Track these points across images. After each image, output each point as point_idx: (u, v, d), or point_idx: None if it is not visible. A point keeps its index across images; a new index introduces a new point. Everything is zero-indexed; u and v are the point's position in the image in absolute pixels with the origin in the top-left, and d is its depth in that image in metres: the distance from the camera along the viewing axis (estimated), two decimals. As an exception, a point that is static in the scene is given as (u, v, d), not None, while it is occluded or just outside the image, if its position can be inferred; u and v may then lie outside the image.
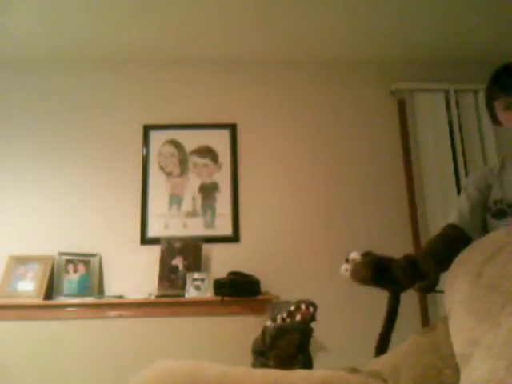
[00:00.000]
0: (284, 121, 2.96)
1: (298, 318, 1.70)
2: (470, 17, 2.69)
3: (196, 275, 2.51)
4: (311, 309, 1.73)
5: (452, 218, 1.42)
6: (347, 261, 1.31)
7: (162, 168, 2.84)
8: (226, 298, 2.42)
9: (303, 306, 1.72)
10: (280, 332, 1.67)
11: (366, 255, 1.28)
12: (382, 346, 1.31)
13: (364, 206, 2.85)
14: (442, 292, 1.11)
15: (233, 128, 2.92)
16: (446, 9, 2.61)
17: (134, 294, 2.50)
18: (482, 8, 2.61)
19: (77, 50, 2.86)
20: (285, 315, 1.72)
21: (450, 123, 2.94)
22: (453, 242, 1.33)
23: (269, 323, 1.74)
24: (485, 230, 1.38)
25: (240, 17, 2.62)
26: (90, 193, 2.77)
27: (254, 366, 1.73)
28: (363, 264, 1.26)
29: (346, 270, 1.29)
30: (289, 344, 1.65)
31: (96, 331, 2.40)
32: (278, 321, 1.71)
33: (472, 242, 1.29)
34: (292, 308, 1.73)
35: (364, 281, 1.25)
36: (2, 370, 2.30)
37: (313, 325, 1.73)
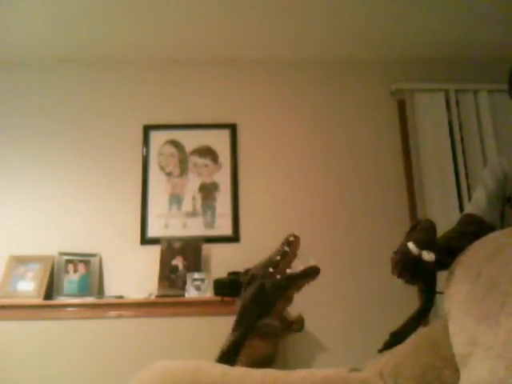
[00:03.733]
0: (284, 121, 2.96)
1: (294, 250, 1.58)
2: (469, 17, 2.69)
3: (196, 275, 2.51)
4: (295, 234, 1.62)
5: (468, 208, 1.37)
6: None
7: (162, 168, 2.84)
8: (226, 298, 2.42)
9: (292, 238, 1.61)
10: (290, 281, 1.55)
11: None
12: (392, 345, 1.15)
13: (364, 205, 2.84)
14: (442, 293, 1.10)
15: (233, 128, 2.92)
16: (446, 9, 2.61)
17: (134, 294, 2.50)
18: (482, 8, 2.60)
19: (77, 49, 2.86)
20: (278, 258, 1.55)
21: (450, 123, 2.94)
22: (467, 225, 1.27)
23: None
24: (502, 220, 1.32)
25: (240, 17, 2.62)
26: (90, 193, 2.76)
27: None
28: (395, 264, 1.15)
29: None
30: (296, 289, 1.58)
31: (96, 331, 2.40)
32: (271, 269, 1.54)
33: (489, 228, 1.25)
34: (286, 248, 1.56)
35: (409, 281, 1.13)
36: (2, 370, 2.30)
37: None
